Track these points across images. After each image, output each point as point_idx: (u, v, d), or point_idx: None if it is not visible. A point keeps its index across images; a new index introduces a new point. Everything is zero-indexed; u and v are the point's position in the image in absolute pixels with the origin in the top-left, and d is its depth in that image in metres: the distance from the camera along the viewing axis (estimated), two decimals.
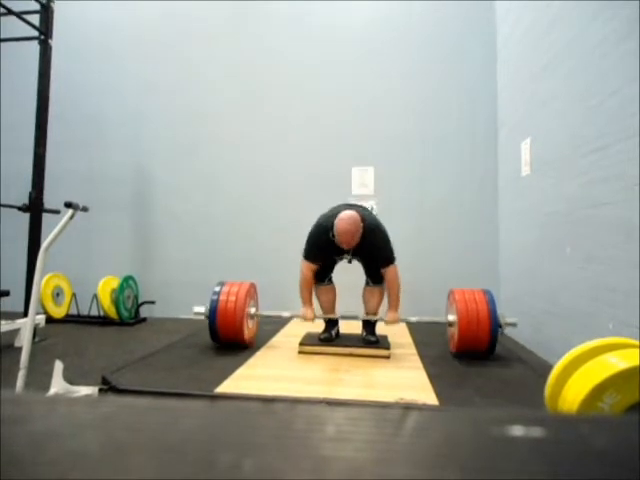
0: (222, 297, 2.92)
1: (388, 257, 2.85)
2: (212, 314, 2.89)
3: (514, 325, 2.84)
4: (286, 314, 3.07)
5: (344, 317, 3.03)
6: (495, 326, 2.72)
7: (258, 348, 3.01)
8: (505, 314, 2.85)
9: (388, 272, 2.86)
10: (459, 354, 2.82)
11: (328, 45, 4.79)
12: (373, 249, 2.84)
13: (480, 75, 4.53)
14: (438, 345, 3.11)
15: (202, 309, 2.97)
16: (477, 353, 2.78)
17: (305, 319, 2.94)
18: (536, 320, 3.29)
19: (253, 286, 3.16)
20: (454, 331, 2.87)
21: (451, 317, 2.91)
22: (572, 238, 2.77)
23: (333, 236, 2.75)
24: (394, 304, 2.89)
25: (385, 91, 4.67)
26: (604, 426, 0.27)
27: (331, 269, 3.09)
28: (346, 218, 2.70)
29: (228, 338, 2.93)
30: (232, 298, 2.91)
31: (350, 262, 3.03)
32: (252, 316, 3.07)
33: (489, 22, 4.52)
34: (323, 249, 2.88)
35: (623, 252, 2.19)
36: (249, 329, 3.04)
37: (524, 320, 3.40)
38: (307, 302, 2.96)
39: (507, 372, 2.58)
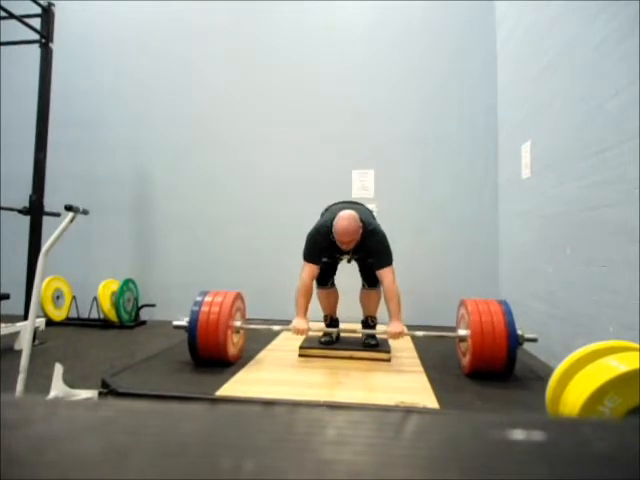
0: (204, 309, 2.63)
1: (386, 259, 2.72)
2: (192, 328, 2.59)
3: (534, 340, 2.51)
4: (276, 328, 2.80)
5: (342, 331, 2.97)
6: (514, 342, 2.38)
7: (258, 351, 3.00)
8: (524, 330, 2.53)
9: (385, 275, 2.67)
10: (473, 374, 2.49)
11: (328, 46, 4.80)
12: (372, 250, 2.77)
13: (480, 77, 4.53)
14: (439, 348, 3.10)
15: (183, 322, 2.67)
16: (493, 374, 2.46)
17: (297, 332, 2.66)
18: (536, 322, 3.28)
19: (239, 296, 2.88)
20: (466, 348, 2.56)
21: (462, 332, 2.59)
22: (572, 240, 2.77)
23: (333, 237, 2.71)
24: (396, 313, 2.64)
25: (385, 92, 4.67)
26: (605, 430, 0.27)
27: (333, 272, 3.07)
28: (346, 217, 2.64)
29: (209, 356, 2.62)
30: (215, 309, 2.62)
31: (349, 262, 2.99)
32: (238, 329, 2.78)
33: (489, 23, 4.53)
34: (323, 249, 2.79)
35: (623, 254, 2.19)
36: (234, 344, 2.75)
37: (524, 322, 3.39)
38: (301, 311, 2.71)
39: (507, 375, 2.57)
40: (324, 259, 2.90)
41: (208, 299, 2.69)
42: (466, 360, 2.55)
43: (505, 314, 2.46)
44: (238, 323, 2.78)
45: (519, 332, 2.45)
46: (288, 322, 3.60)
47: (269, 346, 3.18)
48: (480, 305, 2.55)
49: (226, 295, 2.74)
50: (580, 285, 2.65)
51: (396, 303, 2.65)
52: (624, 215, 2.18)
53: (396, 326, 2.62)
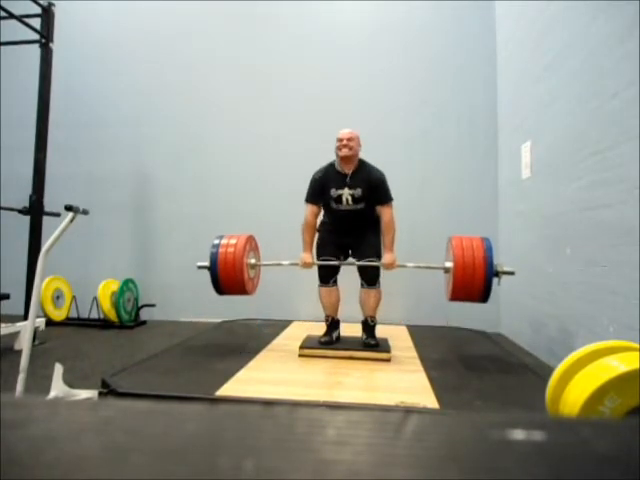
0: (221, 249, 3.02)
1: (387, 196, 2.97)
2: (213, 265, 2.99)
3: (511, 273, 2.76)
4: (285, 262, 3.14)
5: (343, 263, 3.03)
6: (490, 274, 2.67)
7: (258, 351, 3.00)
8: (503, 264, 2.79)
9: (385, 211, 2.94)
10: (454, 300, 2.84)
11: (328, 47, 4.80)
12: (372, 188, 2.93)
13: (480, 77, 4.53)
14: (439, 348, 3.10)
15: (205, 263, 3.06)
16: (471, 300, 2.78)
17: (303, 264, 2.97)
18: (536, 322, 3.28)
19: (252, 238, 3.24)
20: (450, 278, 2.84)
21: (448, 264, 2.89)
22: (572, 240, 2.77)
23: (334, 162, 3.00)
24: (390, 245, 2.93)
25: (385, 93, 4.67)
26: (605, 430, 0.27)
27: (336, 270, 3.05)
28: (346, 129, 3.00)
29: (230, 288, 3.02)
30: (231, 249, 3.00)
31: (349, 204, 2.95)
32: (253, 266, 3.17)
33: (489, 23, 4.53)
34: (323, 186, 2.99)
35: (623, 255, 2.19)
36: (250, 279, 3.13)
37: (524, 322, 3.39)
38: (307, 246, 3.02)
39: (508, 375, 2.58)
40: (325, 258, 2.97)
41: (224, 241, 3.09)
42: (449, 289, 2.85)
43: (485, 249, 2.72)
44: (252, 260, 3.19)
45: (497, 266, 2.71)
46: (288, 322, 3.60)
47: (269, 346, 3.18)
48: (464, 241, 2.82)
49: (239, 237, 3.12)
50: (580, 285, 2.65)
51: (391, 237, 2.94)
52: (624, 215, 2.18)
53: (390, 257, 2.90)
